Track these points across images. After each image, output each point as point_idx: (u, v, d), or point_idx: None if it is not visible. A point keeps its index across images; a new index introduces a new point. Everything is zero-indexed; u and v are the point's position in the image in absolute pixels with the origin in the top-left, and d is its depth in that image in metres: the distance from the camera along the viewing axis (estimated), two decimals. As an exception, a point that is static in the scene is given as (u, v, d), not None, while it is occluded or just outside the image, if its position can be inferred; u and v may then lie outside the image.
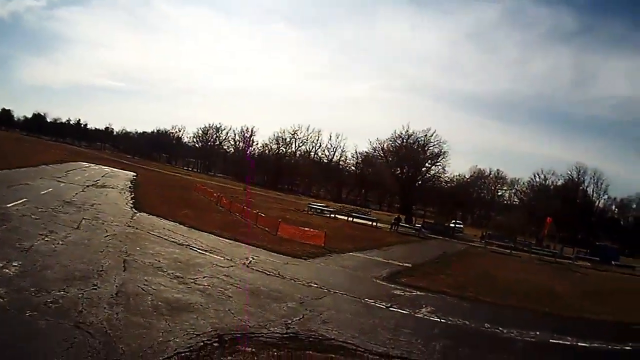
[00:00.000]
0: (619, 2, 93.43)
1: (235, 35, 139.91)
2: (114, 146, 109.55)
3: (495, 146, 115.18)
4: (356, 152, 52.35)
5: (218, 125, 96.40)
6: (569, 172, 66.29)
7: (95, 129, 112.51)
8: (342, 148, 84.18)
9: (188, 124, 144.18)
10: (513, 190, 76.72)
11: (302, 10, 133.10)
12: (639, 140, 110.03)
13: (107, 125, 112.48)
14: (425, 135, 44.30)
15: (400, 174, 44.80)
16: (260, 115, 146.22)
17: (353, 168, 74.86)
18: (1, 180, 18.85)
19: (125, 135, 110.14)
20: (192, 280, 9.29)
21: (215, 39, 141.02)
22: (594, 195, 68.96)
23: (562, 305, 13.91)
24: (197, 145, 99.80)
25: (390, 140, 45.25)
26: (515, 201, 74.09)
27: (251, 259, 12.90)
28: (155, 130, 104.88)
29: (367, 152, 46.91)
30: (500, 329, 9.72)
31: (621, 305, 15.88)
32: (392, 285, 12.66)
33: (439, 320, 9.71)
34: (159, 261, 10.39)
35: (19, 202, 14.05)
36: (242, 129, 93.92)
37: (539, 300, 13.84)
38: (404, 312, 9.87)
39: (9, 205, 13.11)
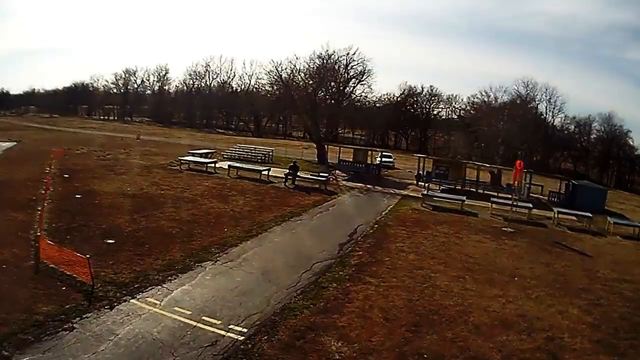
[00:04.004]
0: None
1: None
2: (37, 108, 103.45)
3: (428, 64, 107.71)
4: (271, 76, 43.65)
5: (133, 69, 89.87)
6: (516, 87, 56.06)
7: (23, 92, 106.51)
8: (257, 75, 74.57)
9: (107, 72, 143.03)
10: (451, 108, 71.32)
11: None
12: (587, 58, 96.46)
13: (31, 89, 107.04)
14: (347, 54, 37.35)
15: (322, 95, 39.08)
16: (177, 52, 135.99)
17: (269, 95, 67.43)
18: None
19: (46, 95, 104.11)
20: None
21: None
22: (548, 113, 60.43)
23: None
24: (112, 92, 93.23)
25: (310, 61, 38.71)
26: (454, 117, 67.53)
27: None
28: (72, 85, 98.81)
29: (285, 76, 40.25)
30: None
31: None
32: None
33: None
34: None
35: None
36: (156, 68, 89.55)
37: None
38: None
39: None
